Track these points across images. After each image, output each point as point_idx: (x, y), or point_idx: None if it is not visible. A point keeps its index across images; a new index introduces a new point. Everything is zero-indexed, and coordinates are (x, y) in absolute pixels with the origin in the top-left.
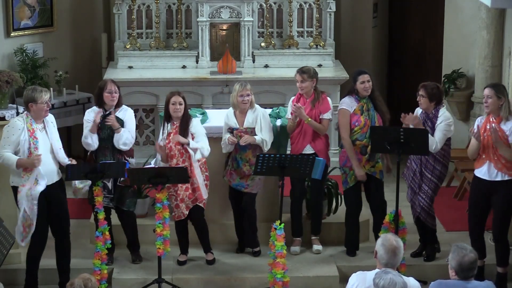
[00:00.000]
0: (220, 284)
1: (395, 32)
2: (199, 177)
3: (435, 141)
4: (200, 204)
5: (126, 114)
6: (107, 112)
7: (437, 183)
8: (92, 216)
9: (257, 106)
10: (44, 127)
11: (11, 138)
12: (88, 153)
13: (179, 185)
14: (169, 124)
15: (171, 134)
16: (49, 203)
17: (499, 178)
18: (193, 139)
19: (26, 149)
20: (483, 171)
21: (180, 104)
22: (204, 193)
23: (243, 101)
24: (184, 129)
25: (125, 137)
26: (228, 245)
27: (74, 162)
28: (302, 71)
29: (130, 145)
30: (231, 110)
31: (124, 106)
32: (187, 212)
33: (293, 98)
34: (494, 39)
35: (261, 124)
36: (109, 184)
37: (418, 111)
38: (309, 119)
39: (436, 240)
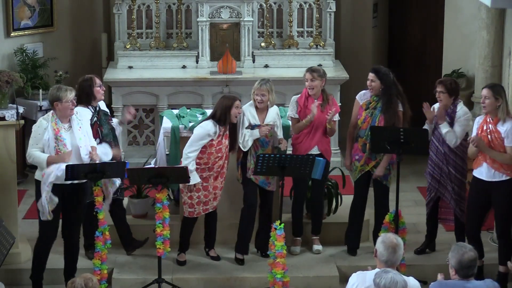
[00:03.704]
0: (220, 284)
1: (395, 32)
2: None
3: (456, 136)
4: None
5: (104, 106)
6: (98, 109)
7: (461, 179)
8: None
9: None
10: (71, 126)
11: (38, 137)
12: None
13: (219, 183)
14: (218, 126)
15: (221, 137)
16: (66, 203)
17: (497, 179)
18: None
19: (52, 148)
20: (481, 172)
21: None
22: None
23: (257, 100)
24: (234, 134)
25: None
26: (227, 245)
27: (94, 155)
28: (312, 69)
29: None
30: (248, 106)
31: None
32: (211, 210)
33: (296, 96)
34: (494, 39)
35: (278, 123)
36: None
37: (436, 107)
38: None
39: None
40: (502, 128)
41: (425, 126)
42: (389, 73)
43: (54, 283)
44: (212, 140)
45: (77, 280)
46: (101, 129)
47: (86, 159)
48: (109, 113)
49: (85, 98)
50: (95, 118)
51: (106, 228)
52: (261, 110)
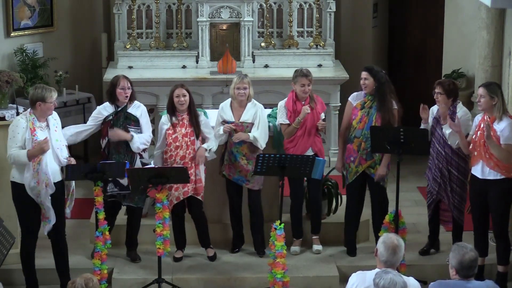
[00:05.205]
0: (220, 284)
1: (395, 32)
2: (202, 170)
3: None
4: (198, 197)
5: (140, 111)
6: (119, 109)
7: (463, 180)
8: (93, 215)
9: (256, 102)
10: (47, 125)
11: (17, 137)
12: (101, 149)
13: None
14: (173, 117)
15: (176, 126)
16: (52, 199)
17: (491, 177)
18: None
19: (30, 147)
20: (477, 170)
21: (184, 95)
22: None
23: (239, 94)
24: (194, 122)
25: (139, 142)
26: (227, 245)
27: (73, 161)
28: (304, 74)
29: (147, 145)
30: (227, 102)
31: (136, 102)
32: (182, 197)
33: (283, 102)
34: (494, 39)
35: (258, 122)
36: (123, 181)
37: (435, 108)
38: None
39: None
40: (498, 127)
41: (422, 127)
42: (381, 71)
43: (50, 283)
44: (168, 129)
45: (77, 280)
46: (112, 127)
47: (64, 162)
48: (137, 119)
49: (108, 96)
50: (111, 117)
51: (106, 228)
52: (239, 107)
